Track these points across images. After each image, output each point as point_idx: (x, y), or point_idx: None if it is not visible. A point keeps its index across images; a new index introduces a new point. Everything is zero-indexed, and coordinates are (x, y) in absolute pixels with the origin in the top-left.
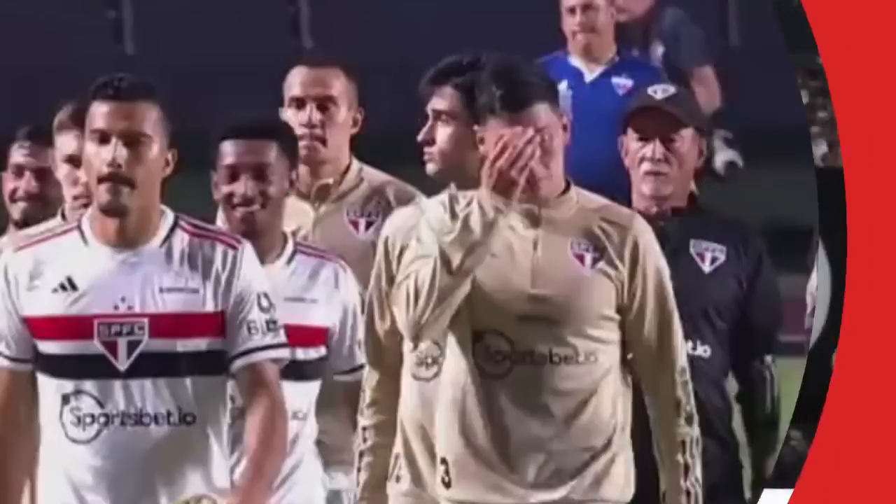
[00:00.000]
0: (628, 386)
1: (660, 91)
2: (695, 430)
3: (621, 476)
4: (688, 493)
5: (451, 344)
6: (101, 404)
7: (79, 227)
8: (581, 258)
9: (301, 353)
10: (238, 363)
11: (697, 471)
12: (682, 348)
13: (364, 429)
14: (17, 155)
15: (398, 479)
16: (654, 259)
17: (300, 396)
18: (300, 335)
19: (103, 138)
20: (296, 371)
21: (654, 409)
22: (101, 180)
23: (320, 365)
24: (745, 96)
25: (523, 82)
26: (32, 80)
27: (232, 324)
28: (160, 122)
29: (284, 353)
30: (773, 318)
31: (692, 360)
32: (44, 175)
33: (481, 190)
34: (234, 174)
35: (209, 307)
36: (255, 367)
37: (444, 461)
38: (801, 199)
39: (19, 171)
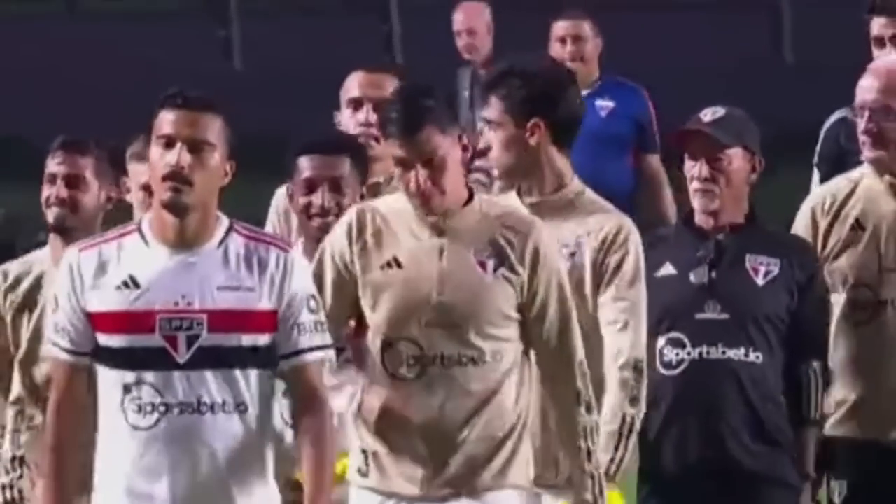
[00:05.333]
0: (530, 377)
1: (709, 114)
2: (594, 418)
3: (524, 461)
4: (592, 477)
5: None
6: (160, 394)
7: (139, 230)
8: (483, 265)
9: None
10: (288, 363)
11: (599, 455)
12: (580, 343)
13: None
14: (51, 165)
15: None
16: (553, 261)
17: None
18: None
19: (169, 143)
20: None
21: (555, 399)
22: (164, 179)
23: None
24: (786, 103)
25: (418, 107)
26: (149, 94)
27: (284, 324)
28: (222, 132)
29: (330, 354)
30: (822, 329)
31: (745, 365)
32: (74, 182)
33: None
34: (311, 186)
35: (264, 305)
36: (303, 366)
37: (363, 451)
38: None
39: (52, 179)
